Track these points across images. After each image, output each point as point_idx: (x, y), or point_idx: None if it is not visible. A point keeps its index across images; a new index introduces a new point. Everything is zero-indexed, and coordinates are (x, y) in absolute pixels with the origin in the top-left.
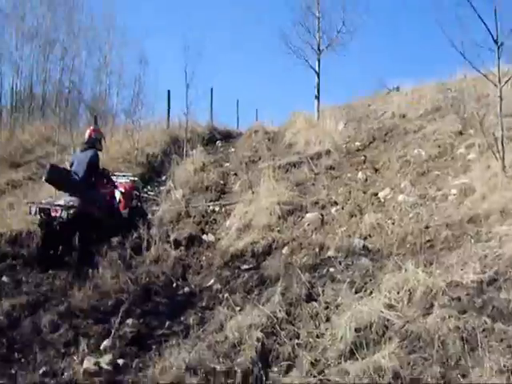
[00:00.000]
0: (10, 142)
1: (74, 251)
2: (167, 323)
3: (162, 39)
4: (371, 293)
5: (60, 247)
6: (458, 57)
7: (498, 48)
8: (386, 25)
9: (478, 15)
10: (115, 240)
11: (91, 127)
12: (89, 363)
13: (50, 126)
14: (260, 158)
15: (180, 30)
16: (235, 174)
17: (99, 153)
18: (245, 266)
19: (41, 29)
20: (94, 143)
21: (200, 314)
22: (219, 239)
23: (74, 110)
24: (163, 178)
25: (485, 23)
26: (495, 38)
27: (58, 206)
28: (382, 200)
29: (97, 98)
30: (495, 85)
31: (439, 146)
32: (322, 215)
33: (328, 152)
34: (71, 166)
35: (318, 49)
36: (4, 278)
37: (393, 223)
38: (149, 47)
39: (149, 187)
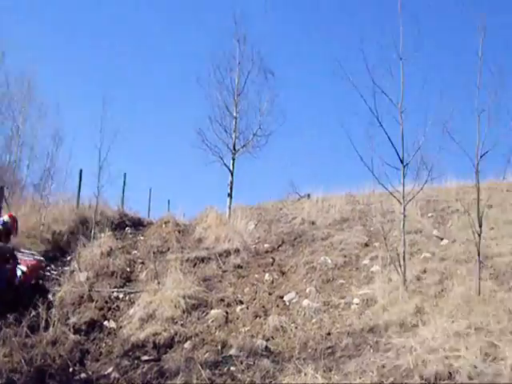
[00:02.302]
0: None
1: None
2: None
3: (79, 114)
4: None
5: None
6: (367, 171)
7: (404, 167)
8: (301, 131)
9: (387, 136)
10: (11, 316)
11: (11, 213)
12: None
13: None
14: (169, 249)
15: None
16: (142, 263)
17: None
18: (145, 357)
19: None
20: None
21: None
22: (121, 327)
23: None
24: (68, 257)
25: (392, 144)
26: (401, 158)
27: None
28: (287, 303)
29: (5, 167)
30: (400, 202)
31: (345, 256)
32: (227, 313)
33: (237, 251)
34: None
35: (234, 148)
36: None
37: (296, 327)
38: (65, 120)
39: (52, 266)
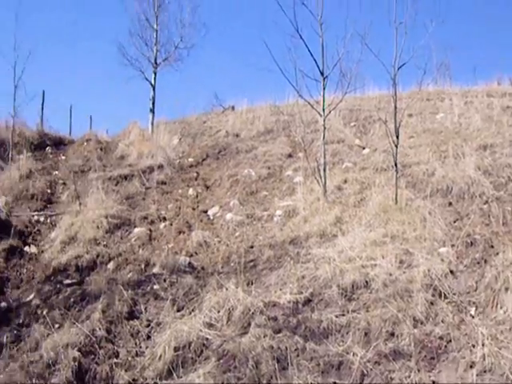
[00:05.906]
0: None
1: None
2: None
3: None
4: (193, 311)
5: None
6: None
7: (324, 79)
8: (223, 41)
9: (307, 48)
10: None
11: None
12: None
13: None
14: (90, 169)
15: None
16: (64, 184)
17: None
18: (67, 281)
19: None
20: None
21: (15, 332)
22: (42, 251)
23: None
24: None
25: (313, 56)
26: (321, 70)
27: None
28: (211, 217)
29: None
30: (320, 115)
31: (269, 168)
32: (151, 230)
33: (160, 166)
34: None
35: (155, 62)
36: None
37: (219, 241)
38: None
39: None
